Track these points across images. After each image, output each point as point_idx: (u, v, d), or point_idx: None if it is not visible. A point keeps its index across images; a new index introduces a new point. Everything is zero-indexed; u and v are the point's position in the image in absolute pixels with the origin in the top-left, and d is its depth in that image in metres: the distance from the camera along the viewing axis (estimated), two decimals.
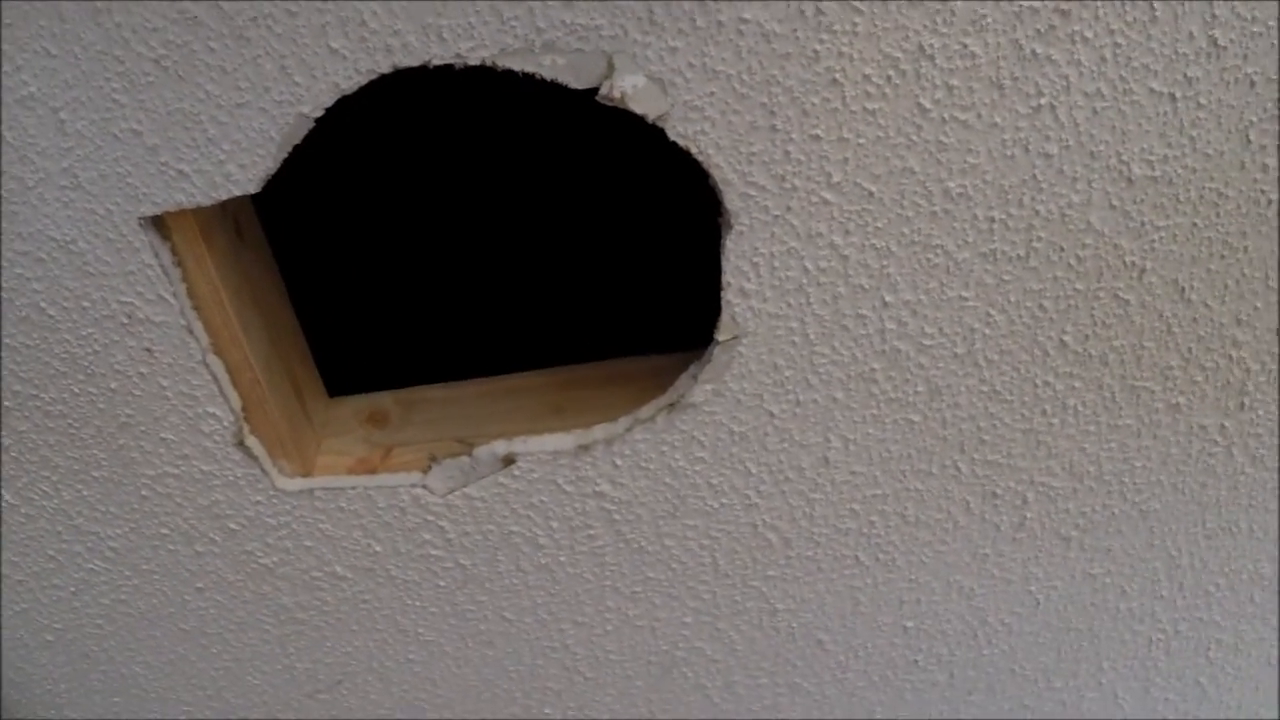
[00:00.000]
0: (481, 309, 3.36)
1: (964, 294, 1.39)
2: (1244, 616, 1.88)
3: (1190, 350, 1.47)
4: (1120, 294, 1.40)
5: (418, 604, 1.86)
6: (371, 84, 1.24)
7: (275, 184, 1.34)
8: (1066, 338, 1.44)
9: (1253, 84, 1.21)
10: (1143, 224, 1.33)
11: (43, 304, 1.44)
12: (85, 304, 1.44)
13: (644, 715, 2.08)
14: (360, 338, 2.98)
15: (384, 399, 1.83)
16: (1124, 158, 1.27)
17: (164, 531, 1.75)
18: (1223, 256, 1.37)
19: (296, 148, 1.29)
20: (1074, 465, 1.61)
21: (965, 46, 1.17)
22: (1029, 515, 1.68)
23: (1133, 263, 1.37)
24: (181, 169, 1.29)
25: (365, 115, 1.74)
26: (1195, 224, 1.33)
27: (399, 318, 3.31)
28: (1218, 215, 1.33)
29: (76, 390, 1.55)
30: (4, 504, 1.73)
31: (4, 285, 1.42)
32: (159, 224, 1.37)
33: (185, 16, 1.16)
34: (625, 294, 3.23)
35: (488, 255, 3.44)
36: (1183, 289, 1.40)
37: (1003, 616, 1.86)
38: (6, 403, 1.57)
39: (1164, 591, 1.82)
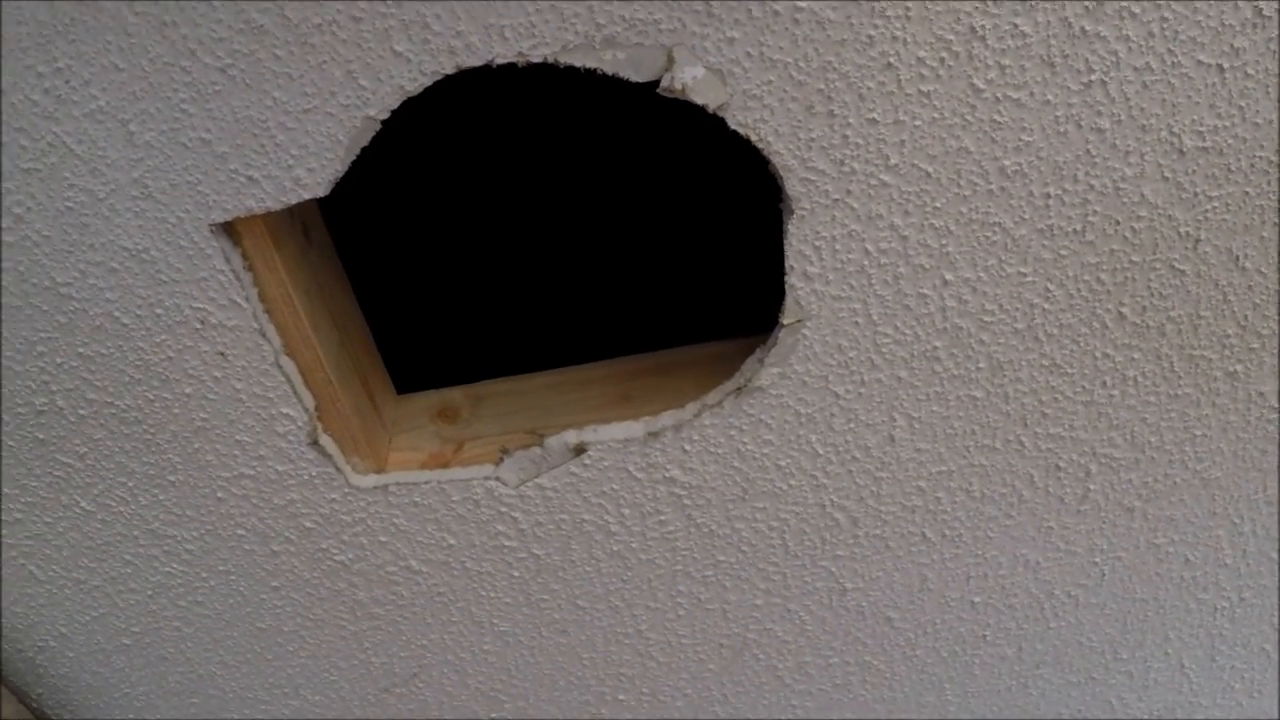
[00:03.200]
0: (544, 303, 3.38)
1: (1022, 270, 1.40)
2: None
3: (1246, 318, 1.48)
4: (1176, 264, 1.41)
5: (492, 595, 1.88)
6: (433, 85, 1.26)
7: (339, 186, 1.36)
8: (1124, 309, 1.45)
9: None
10: (1195, 194, 1.34)
11: (116, 313, 1.47)
12: (158, 311, 1.46)
13: (717, 699, 2.10)
14: (425, 335, 3.00)
15: (453, 394, 1.85)
16: (1175, 130, 1.28)
17: (240, 532, 1.78)
18: (1275, 224, 1.38)
19: (362, 150, 1.31)
20: (1135, 436, 1.62)
21: (1016, 26, 1.18)
22: (1092, 487, 1.69)
23: (1187, 233, 1.38)
24: (251, 175, 1.32)
25: (425, 115, 1.76)
26: (1247, 192, 1.34)
27: (463, 314, 3.33)
28: (1268, 183, 1.33)
29: (151, 396, 1.57)
30: (81, 511, 1.75)
31: (78, 295, 1.45)
32: (229, 230, 1.40)
33: (251, 26, 1.19)
34: (685, 283, 3.25)
35: (548, 250, 3.46)
36: (1237, 257, 1.41)
37: (1069, 589, 1.87)
38: (83, 411, 1.60)
39: (1227, 559, 1.83)
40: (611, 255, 3.39)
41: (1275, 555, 1.82)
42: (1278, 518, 1.76)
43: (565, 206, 3.44)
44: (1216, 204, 1.35)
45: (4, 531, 1.81)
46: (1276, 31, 1.21)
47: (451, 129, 3.35)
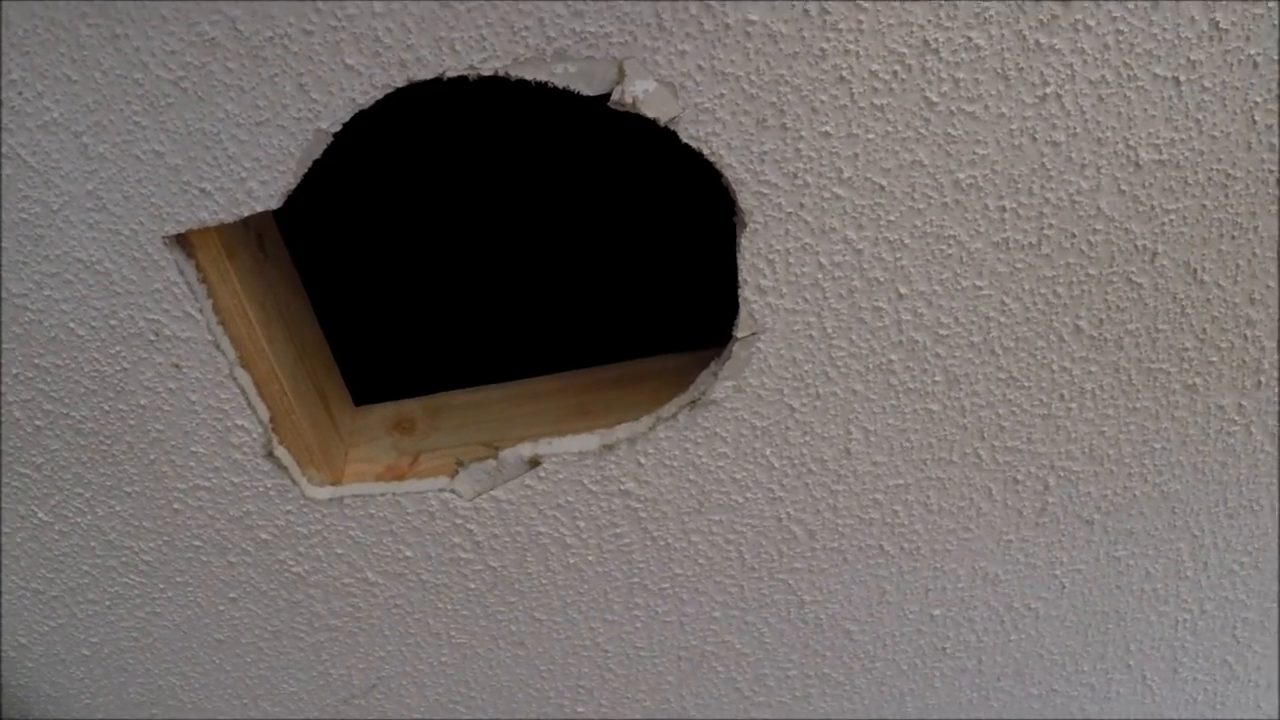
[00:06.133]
0: (501, 315, 3.38)
1: (978, 283, 1.40)
2: (1269, 594, 1.89)
3: (1205, 331, 1.48)
4: (1133, 278, 1.41)
5: (449, 607, 1.87)
6: (387, 96, 1.26)
7: (295, 198, 1.35)
8: (1081, 323, 1.46)
9: (1256, 65, 1.23)
10: (1152, 208, 1.34)
11: (71, 324, 1.46)
12: (113, 323, 1.46)
13: (676, 711, 2.10)
14: (384, 347, 2.99)
15: (410, 406, 1.85)
16: (1131, 143, 1.28)
17: (197, 544, 1.77)
18: (1233, 237, 1.38)
19: (316, 162, 1.31)
20: (1094, 449, 1.62)
21: (969, 39, 1.18)
22: (1051, 500, 1.69)
23: (1144, 246, 1.38)
24: (204, 187, 1.31)
25: (382, 127, 1.76)
26: (1204, 205, 1.34)
27: (421, 326, 3.33)
28: (1226, 196, 1.34)
29: (107, 408, 1.57)
30: (38, 521, 1.75)
31: (33, 307, 1.44)
32: (183, 242, 1.40)
33: (203, 39, 1.18)
34: (642, 296, 3.25)
35: (505, 262, 3.46)
36: (1195, 270, 1.41)
37: (1029, 601, 1.87)
38: (39, 422, 1.59)
39: (1188, 572, 1.83)
40: (569, 268, 3.39)
41: (1236, 568, 1.82)
42: (1239, 530, 1.77)
43: (522, 219, 3.44)
44: (1174, 217, 1.35)
45: None
46: (1233, 44, 1.21)
47: (409, 142, 3.35)
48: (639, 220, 3.32)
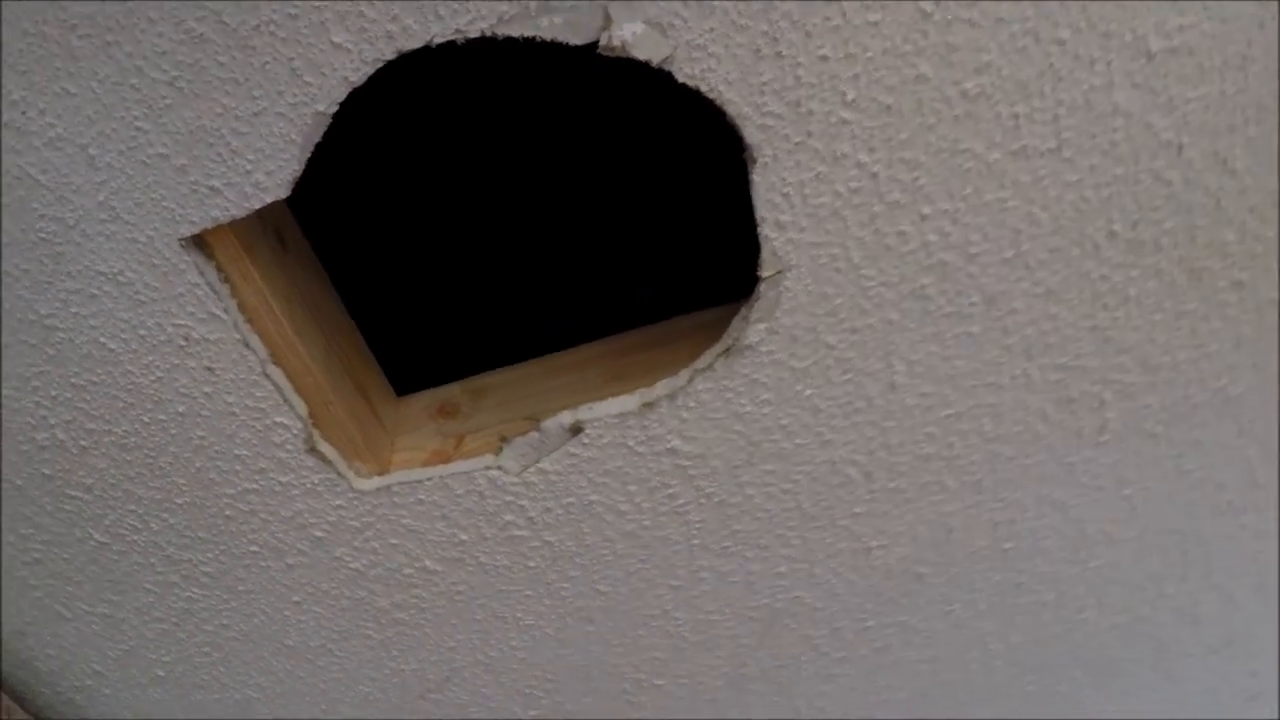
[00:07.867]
0: (529, 291, 3.37)
1: (1001, 195, 1.37)
2: None
3: (1244, 223, 1.45)
4: (1162, 174, 1.38)
5: (512, 588, 1.87)
6: (394, 76, 1.25)
7: (313, 189, 1.36)
8: (1115, 226, 1.43)
9: None
10: (1170, 98, 1.31)
11: (101, 339, 1.47)
12: (141, 332, 1.47)
13: (755, 673, 2.08)
14: (425, 337, 3.00)
15: (452, 390, 1.85)
16: (1139, 32, 1.25)
17: (253, 549, 1.78)
18: (1259, 120, 1.35)
19: (325, 149, 1.31)
20: (1146, 358, 1.59)
21: None
22: (1110, 416, 1.66)
23: (1168, 140, 1.35)
24: (212, 184, 1.32)
25: (387, 111, 1.75)
26: (1224, 91, 1.31)
27: (458, 312, 3.33)
28: (1246, 79, 1.30)
29: (147, 419, 1.58)
30: (96, 543, 1.76)
31: (63, 326, 1.45)
32: (200, 243, 1.40)
33: (191, 35, 1.19)
34: (670, 255, 3.24)
35: (530, 237, 3.45)
36: (1224, 160, 1.38)
37: (1101, 526, 1.84)
38: (84, 442, 1.60)
39: (1262, 479, 1.79)
40: (599, 234, 3.38)
41: None
42: None
43: (541, 192, 3.43)
44: (1195, 105, 1.32)
45: (26, 573, 1.81)
46: None
47: (415, 123, 3.35)
48: (665, 180, 3.30)
